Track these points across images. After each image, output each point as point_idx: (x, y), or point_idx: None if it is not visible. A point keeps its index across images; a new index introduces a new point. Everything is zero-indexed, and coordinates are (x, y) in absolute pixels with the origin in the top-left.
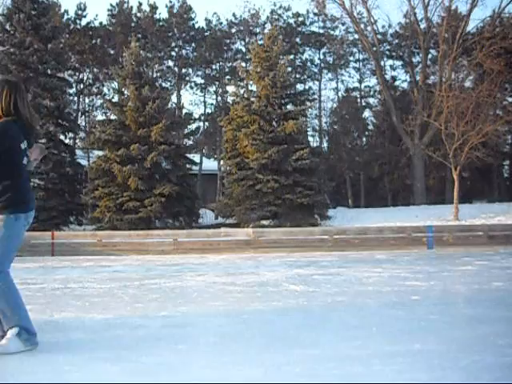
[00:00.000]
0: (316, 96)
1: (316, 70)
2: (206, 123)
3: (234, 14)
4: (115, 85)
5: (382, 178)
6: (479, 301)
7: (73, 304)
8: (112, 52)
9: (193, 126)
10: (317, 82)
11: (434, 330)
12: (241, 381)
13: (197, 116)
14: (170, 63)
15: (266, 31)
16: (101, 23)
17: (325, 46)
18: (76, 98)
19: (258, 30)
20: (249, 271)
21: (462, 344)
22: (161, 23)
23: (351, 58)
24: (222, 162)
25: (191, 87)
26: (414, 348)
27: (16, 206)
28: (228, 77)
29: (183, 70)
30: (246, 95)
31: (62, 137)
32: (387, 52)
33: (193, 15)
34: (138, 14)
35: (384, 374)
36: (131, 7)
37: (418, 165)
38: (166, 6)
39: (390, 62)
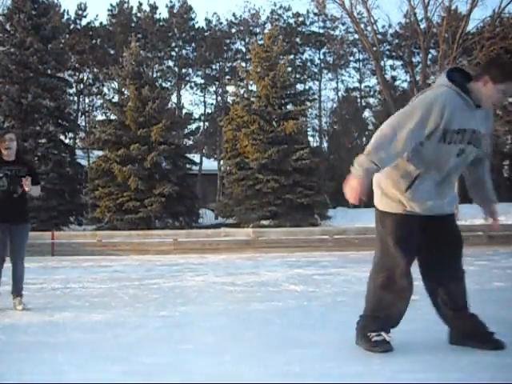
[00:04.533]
0: (316, 96)
1: (316, 70)
2: (206, 123)
3: (234, 14)
4: (115, 85)
5: None
6: (479, 301)
7: (73, 304)
8: (112, 52)
9: (193, 126)
10: (317, 82)
11: (433, 330)
12: (241, 381)
13: (197, 116)
14: (170, 63)
15: (266, 31)
16: (101, 23)
17: (325, 46)
18: (76, 98)
19: (258, 29)
20: (249, 271)
21: None
22: (161, 23)
23: (351, 58)
24: (222, 162)
25: (191, 87)
26: (413, 348)
27: None
28: (228, 77)
29: (183, 70)
30: (246, 95)
31: (62, 137)
32: (387, 52)
33: (193, 15)
34: (138, 14)
35: (384, 374)
36: (131, 7)
37: None
38: (166, 6)
39: (390, 61)
